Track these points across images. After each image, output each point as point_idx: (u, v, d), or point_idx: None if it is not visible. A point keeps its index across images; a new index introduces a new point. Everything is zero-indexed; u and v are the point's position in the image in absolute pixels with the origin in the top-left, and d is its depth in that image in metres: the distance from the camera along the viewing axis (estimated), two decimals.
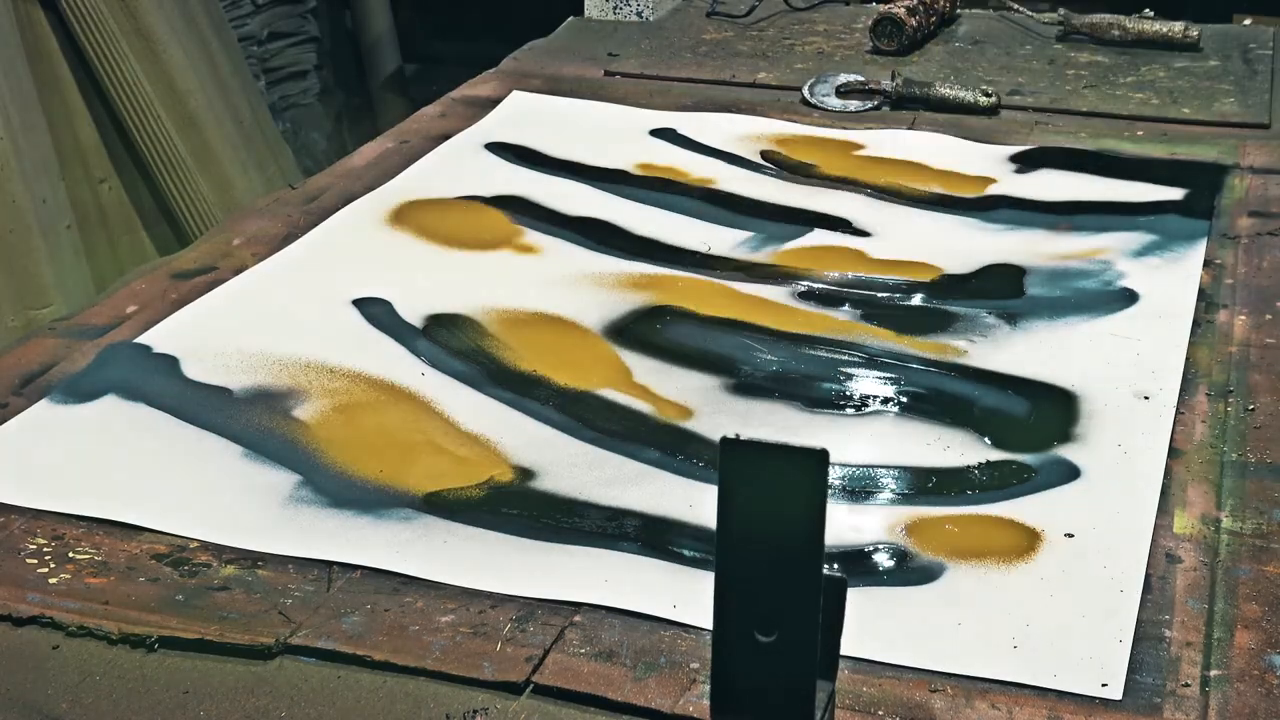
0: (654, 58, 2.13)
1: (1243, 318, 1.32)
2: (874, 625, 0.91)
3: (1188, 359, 1.24)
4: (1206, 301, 1.35)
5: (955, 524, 1.02)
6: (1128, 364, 1.23)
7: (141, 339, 1.26)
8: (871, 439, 1.13)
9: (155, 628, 0.90)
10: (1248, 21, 2.46)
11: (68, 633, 0.90)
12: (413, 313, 1.32)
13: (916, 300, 1.36)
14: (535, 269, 1.42)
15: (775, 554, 0.67)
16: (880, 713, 0.84)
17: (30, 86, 2.34)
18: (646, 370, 1.23)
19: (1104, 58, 2.11)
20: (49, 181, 2.33)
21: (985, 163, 1.70)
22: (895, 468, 1.09)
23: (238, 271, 1.40)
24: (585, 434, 1.13)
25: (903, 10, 2.11)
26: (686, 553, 0.98)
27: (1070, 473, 1.08)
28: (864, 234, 1.52)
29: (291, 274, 1.40)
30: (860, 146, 1.76)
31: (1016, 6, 2.19)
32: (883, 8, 2.14)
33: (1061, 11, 2.17)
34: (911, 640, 0.90)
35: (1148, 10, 2.27)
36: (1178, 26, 2.10)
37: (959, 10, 2.30)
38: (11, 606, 0.92)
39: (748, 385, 1.21)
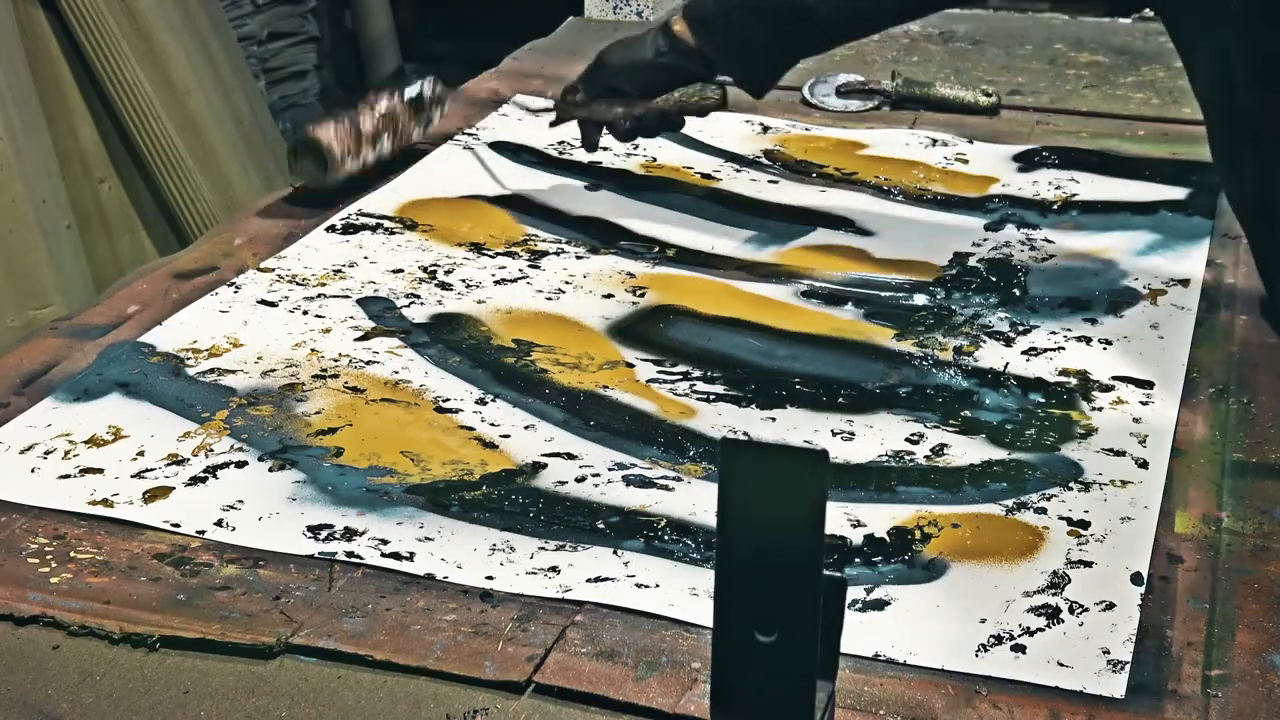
0: None
1: (1244, 318, 1.32)
2: (875, 624, 0.91)
3: (1189, 359, 1.24)
4: (1208, 301, 1.35)
5: (957, 523, 1.02)
6: (1129, 363, 1.24)
7: (144, 338, 1.26)
8: (873, 437, 1.13)
9: (156, 627, 0.90)
10: None
11: (69, 632, 0.90)
12: (416, 312, 1.32)
13: (919, 299, 1.36)
14: (539, 268, 1.42)
15: (775, 554, 0.67)
16: (881, 712, 0.84)
17: (30, 86, 2.34)
18: (650, 369, 1.23)
19: (1104, 57, 2.11)
20: (49, 181, 2.32)
21: (988, 162, 1.70)
22: (897, 467, 1.09)
23: (239, 271, 1.40)
24: (589, 432, 1.13)
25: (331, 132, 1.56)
26: (689, 552, 0.98)
27: (1072, 471, 1.08)
28: (867, 233, 1.52)
29: (294, 273, 1.40)
30: (863, 146, 1.76)
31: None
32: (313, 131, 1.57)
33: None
34: (913, 639, 0.90)
35: (1148, 10, 2.27)
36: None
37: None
38: (13, 606, 0.92)
39: (750, 384, 1.21)
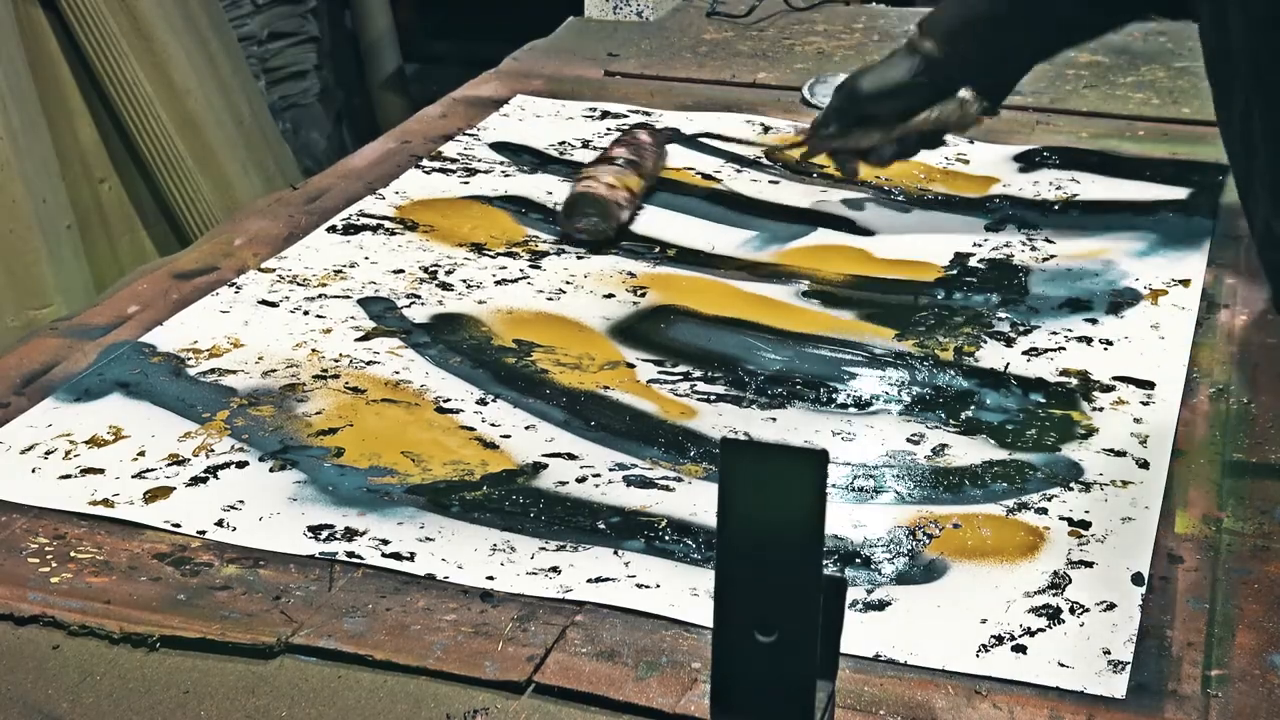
0: (654, 58, 2.13)
1: (1244, 318, 1.32)
2: (875, 624, 0.91)
3: (1189, 359, 1.24)
4: (1208, 301, 1.35)
5: (958, 523, 1.02)
6: (1130, 363, 1.24)
7: (145, 338, 1.26)
8: (874, 438, 1.13)
9: (156, 627, 0.90)
10: None
11: (69, 632, 0.90)
12: (417, 312, 1.32)
13: (919, 299, 1.36)
14: (540, 268, 1.42)
15: (775, 554, 0.67)
16: (881, 712, 0.84)
17: (30, 86, 2.34)
18: (650, 369, 1.23)
19: (1104, 58, 2.11)
20: (49, 181, 2.32)
21: (988, 162, 1.70)
22: (898, 467, 1.09)
23: (239, 272, 1.40)
24: (589, 433, 1.13)
25: (603, 187, 1.50)
26: (689, 553, 0.98)
27: (1073, 472, 1.08)
28: (867, 233, 1.52)
29: (295, 274, 1.40)
30: None
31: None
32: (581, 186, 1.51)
33: None
34: (913, 639, 0.90)
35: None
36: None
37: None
38: (13, 605, 0.92)
39: (751, 384, 1.21)
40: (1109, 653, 0.88)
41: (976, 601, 0.93)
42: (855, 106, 1.51)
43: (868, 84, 1.50)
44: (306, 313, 1.32)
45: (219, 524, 1.01)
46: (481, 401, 1.18)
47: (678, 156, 1.72)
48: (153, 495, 1.04)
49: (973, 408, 1.17)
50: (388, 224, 1.52)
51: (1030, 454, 1.11)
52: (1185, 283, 1.38)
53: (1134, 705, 0.84)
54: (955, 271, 1.42)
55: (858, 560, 0.98)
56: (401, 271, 1.41)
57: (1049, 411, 1.17)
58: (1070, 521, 1.02)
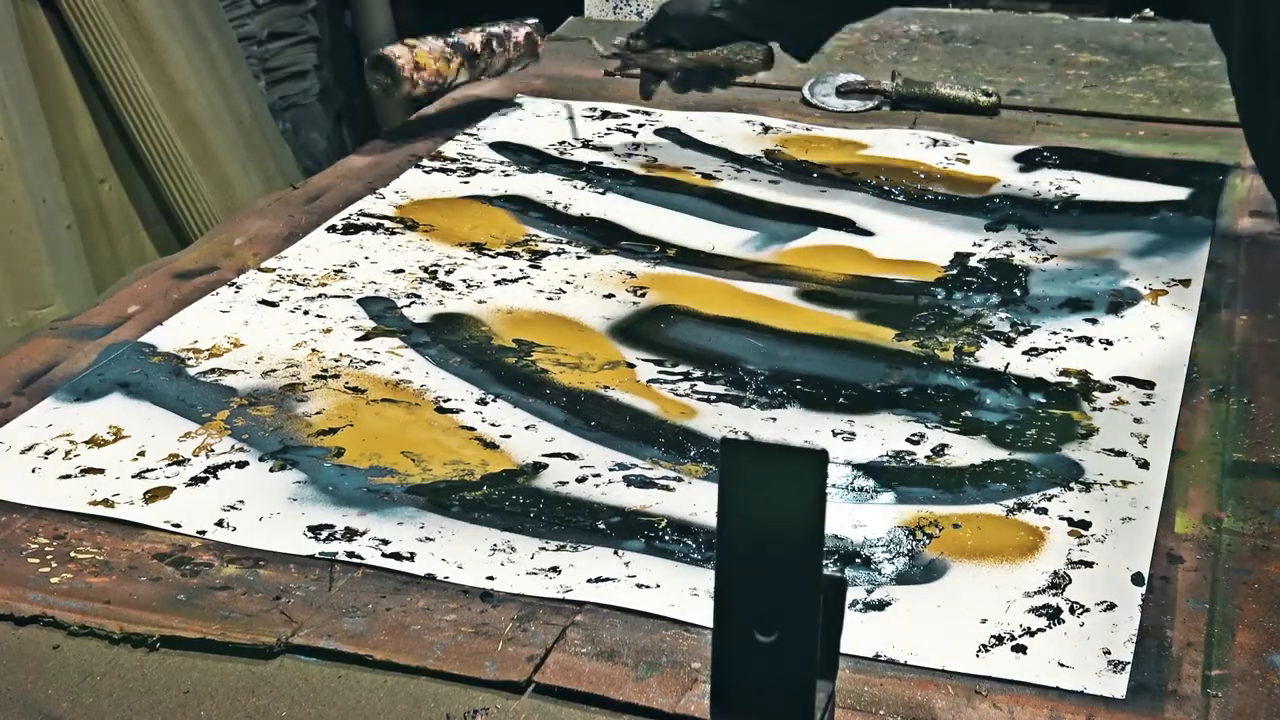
0: None
1: (1244, 318, 1.32)
2: (875, 624, 0.91)
3: (1190, 358, 1.24)
4: (1208, 301, 1.35)
5: (958, 523, 1.02)
6: (1130, 363, 1.24)
7: (145, 338, 1.26)
8: (874, 438, 1.13)
9: (156, 627, 0.90)
10: None
11: (69, 632, 0.90)
12: (417, 312, 1.32)
13: (919, 300, 1.36)
14: (540, 268, 1.42)
15: (775, 554, 0.67)
16: (881, 712, 0.84)
17: (30, 86, 2.34)
18: (650, 369, 1.23)
19: (1104, 58, 2.11)
20: (49, 181, 2.32)
21: (989, 162, 1.70)
22: (897, 467, 1.09)
23: (239, 271, 1.40)
24: (589, 433, 1.13)
25: (410, 65, 1.77)
26: (689, 553, 0.98)
27: (1073, 472, 1.08)
28: (867, 233, 1.52)
29: (295, 273, 1.40)
30: (863, 146, 1.76)
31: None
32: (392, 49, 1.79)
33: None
34: (913, 639, 0.90)
35: (1148, 10, 2.27)
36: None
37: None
38: (13, 606, 0.92)
39: (751, 384, 1.21)
40: (1109, 653, 0.88)
41: (976, 601, 0.93)
42: (662, 27, 1.58)
43: (674, 8, 1.57)
44: (306, 312, 1.32)
45: (219, 524, 1.01)
46: (481, 401, 1.18)
47: (678, 156, 1.72)
48: (153, 495, 1.04)
49: (972, 408, 1.17)
50: (388, 224, 1.52)
51: (1030, 454, 1.11)
52: (1185, 283, 1.38)
53: (1134, 705, 0.84)
54: (955, 271, 1.42)
55: (858, 560, 0.98)
56: (401, 271, 1.41)
57: (1049, 411, 1.17)
58: (1070, 521, 1.02)
